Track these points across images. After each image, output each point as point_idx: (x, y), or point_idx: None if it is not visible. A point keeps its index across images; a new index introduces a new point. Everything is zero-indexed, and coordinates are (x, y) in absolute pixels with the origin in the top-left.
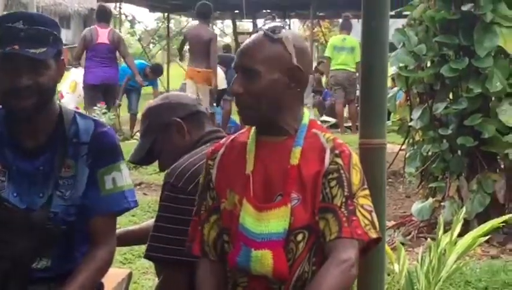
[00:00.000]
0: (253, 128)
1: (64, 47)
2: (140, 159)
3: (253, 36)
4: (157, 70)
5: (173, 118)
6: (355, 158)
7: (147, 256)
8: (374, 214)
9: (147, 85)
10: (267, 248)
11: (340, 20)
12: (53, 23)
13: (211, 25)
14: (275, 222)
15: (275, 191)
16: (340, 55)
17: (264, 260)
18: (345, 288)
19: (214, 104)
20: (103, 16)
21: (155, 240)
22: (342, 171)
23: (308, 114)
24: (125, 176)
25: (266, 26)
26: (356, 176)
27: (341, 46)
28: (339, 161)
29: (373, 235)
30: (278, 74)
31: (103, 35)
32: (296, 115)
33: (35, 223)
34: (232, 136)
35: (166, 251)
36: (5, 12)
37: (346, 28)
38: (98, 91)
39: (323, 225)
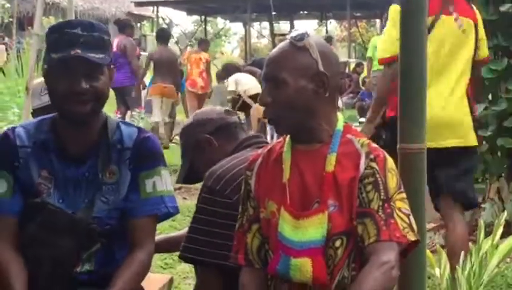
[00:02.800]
0: (288, 136)
1: None
2: (185, 178)
3: (280, 45)
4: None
5: (202, 135)
6: (391, 162)
7: (181, 256)
8: (411, 217)
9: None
10: (306, 256)
11: (378, 21)
12: (107, 32)
13: (247, 26)
14: (313, 229)
15: (311, 199)
16: None
17: (303, 268)
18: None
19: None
20: (118, 28)
21: (190, 241)
22: (377, 176)
23: (342, 119)
24: (165, 182)
25: (292, 34)
26: (392, 180)
27: None
28: (374, 165)
29: (411, 237)
30: (304, 81)
31: (115, 44)
32: (329, 121)
33: (78, 225)
34: (269, 146)
35: (200, 252)
36: (44, 18)
37: None
38: (116, 95)
39: (361, 229)
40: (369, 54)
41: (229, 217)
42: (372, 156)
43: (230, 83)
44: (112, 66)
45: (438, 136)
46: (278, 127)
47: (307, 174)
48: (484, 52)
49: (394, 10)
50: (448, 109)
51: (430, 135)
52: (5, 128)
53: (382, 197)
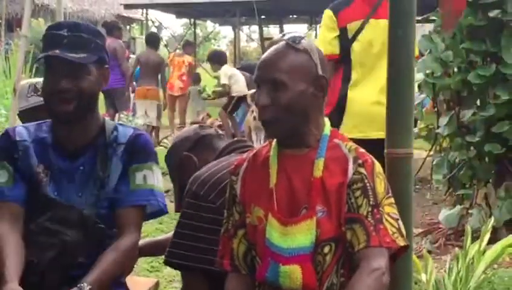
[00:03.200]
0: (274, 141)
1: None
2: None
3: (275, 47)
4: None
5: (182, 154)
6: (378, 166)
7: (166, 262)
8: (400, 222)
9: None
10: (296, 263)
11: None
12: (97, 33)
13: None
14: (301, 235)
15: (299, 204)
16: None
17: (293, 275)
18: None
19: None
20: (106, 30)
21: (175, 246)
22: (366, 181)
23: (328, 124)
24: (156, 178)
25: (287, 36)
26: (380, 185)
27: None
28: (363, 170)
29: (401, 243)
30: (305, 84)
31: None
32: (317, 125)
33: (86, 221)
34: (254, 150)
35: (185, 257)
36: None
37: None
38: (106, 97)
39: (351, 235)
40: None
41: (213, 222)
42: (360, 161)
43: (223, 74)
44: (106, 66)
45: (368, 129)
46: (273, 130)
47: (295, 180)
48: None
49: (327, 15)
50: (378, 104)
51: (361, 127)
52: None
53: (371, 202)
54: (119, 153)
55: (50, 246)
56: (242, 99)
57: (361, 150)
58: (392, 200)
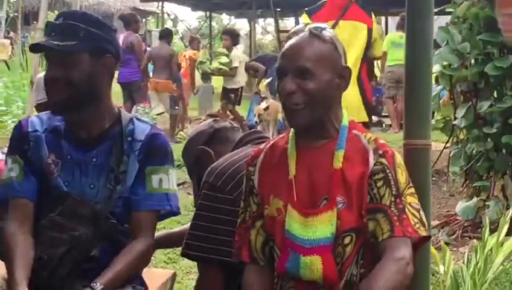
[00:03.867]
0: (292, 132)
1: None
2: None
3: (299, 36)
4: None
5: (197, 148)
6: (399, 157)
7: (183, 253)
8: (422, 212)
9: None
10: (316, 254)
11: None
12: (96, 22)
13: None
14: (322, 227)
15: (319, 196)
16: (397, 51)
17: (313, 266)
18: (402, 286)
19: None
20: (124, 23)
21: (192, 237)
22: (387, 171)
23: (346, 115)
24: (171, 181)
25: (311, 26)
26: (402, 175)
27: (399, 43)
28: (384, 161)
29: (423, 233)
30: (330, 74)
31: (121, 40)
32: (337, 116)
33: (98, 216)
34: (272, 141)
35: (202, 249)
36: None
37: (402, 27)
38: (123, 90)
39: (374, 225)
40: (384, 48)
41: (230, 213)
42: (380, 152)
43: (237, 57)
44: (108, 55)
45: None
46: (297, 118)
47: (314, 171)
48: (377, 52)
49: (303, 17)
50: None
51: None
52: (9, 121)
53: (394, 192)
54: (136, 152)
55: (61, 242)
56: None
57: (381, 140)
58: (413, 190)
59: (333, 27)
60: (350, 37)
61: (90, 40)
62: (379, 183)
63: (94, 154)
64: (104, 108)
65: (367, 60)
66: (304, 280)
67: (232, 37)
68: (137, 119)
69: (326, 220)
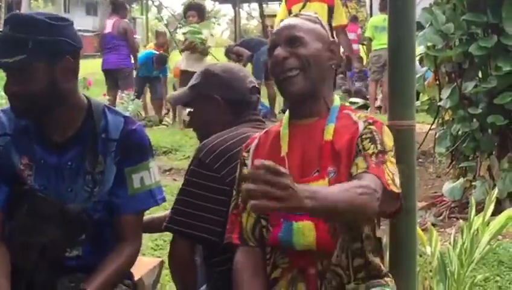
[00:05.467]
0: (286, 116)
1: (92, 34)
2: (177, 104)
3: (289, 18)
4: (160, 60)
5: (216, 96)
6: (387, 129)
7: (166, 227)
8: (397, 178)
9: (159, 74)
10: (308, 219)
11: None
12: (41, 25)
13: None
14: None
15: (311, 169)
16: (382, 34)
17: (306, 231)
18: (356, 207)
19: None
20: (113, 8)
21: (175, 212)
22: (374, 133)
23: (338, 99)
24: (153, 174)
25: (299, 14)
26: (389, 139)
27: (382, 26)
28: (372, 127)
29: (394, 189)
30: (321, 45)
31: (109, 25)
32: (329, 97)
33: (67, 214)
34: (266, 129)
35: (185, 224)
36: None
37: (385, 9)
38: (109, 77)
39: (353, 169)
40: (368, 34)
41: (216, 191)
42: (370, 121)
43: (207, 32)
44: (67, 56)
45: None
46: (294, 84)
47: (306, 147)
48: (338, 20)
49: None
50: None
51: None
52: None
53: (378, 147)
54: (112, 153)
55: (32, 247)
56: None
57: (372, 116)
58: (394, 159)
59: (303, 7)
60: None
61: (40, 49)
62: (365, 141)
63: (69, 157)
64: (72, 107)
65: (331, 28)
66: (297, 250)
67: (199, 12)
68: (108, 110)
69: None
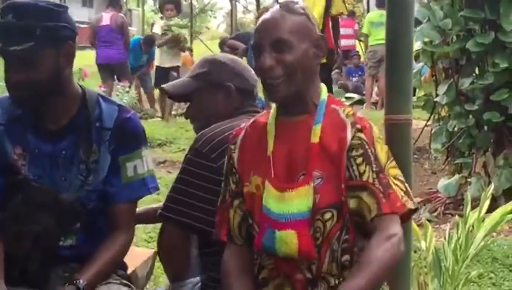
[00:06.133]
0: (273, 108)
1: (86, 26)
2: (176, 96)
3: (270, 11)
4: (148, 41)
5: (229, 83)
6: (377, 131)
7: (161, 215)
8: (407, 184)
9: (147, 58)
10: (291, 228)
11: None
12: (46, 11)
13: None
14: (297, 201)
15: (297, 171)
16: (378, 30)
17: (288, 240)
18: (394, 263)
19: None
20: (110, 1)
21: (171, 200)
22: (366, 147)
23: (325, 89)
24: (146, 163)
25: (281, 2)
26: (382, 150)
27: (379, 22)
28: (362, 136)
29: (410, 206)
30: (307, 43)
31: (107, 18)
32: (316, 90)
33: (61, 203)
34: (253, 119)
35: (180, 213)
36: None
37: (382, 5)
38: (105, 70)
39: (357, 203)
40: (364, 30)
41: (211, 181)
42: (358, 126)
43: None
44: (68, 43)
45: None
46: (278, 93)
47: (292, 147)
48: (336, 9)
49: None
50: None
51: None
52: None
53: (374, 169)
54: (107, 142)
55: (25, 236)
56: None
57: (359, 115)
58: (394, 163)
59: None
60: (314, 1)
61: (47, 35)
62: (358, 160)
63: (63, 146)
64: (69, 95)
65: (329, 16)
66: (281, 257)
67: (177, 5)
68: (102, 99)
69: (302, 194)
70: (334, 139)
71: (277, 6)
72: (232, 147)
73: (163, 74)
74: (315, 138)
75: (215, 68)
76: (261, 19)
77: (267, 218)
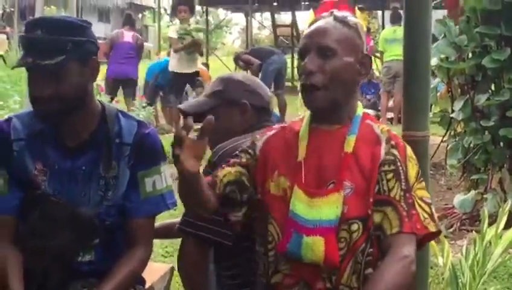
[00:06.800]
0: (307, 117)
1: (103, 41)
2: (194, 113)
3: (324, 20)
4: None
5: (245, 101)
6: (410, 150)
7: (179, 229)
8: (432, 207)
9: None
10: (319, 235)
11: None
12: (77, 28)
13: (249, 17)
14: (327, 208)
15: (327, 179)
16: (392, 46)
17: (315, 246)
18: (406, 284)
19: None
20: (126, 20)
21: (188, 215)
22: (398, 164)
23: (361, 106)
24: (165, 178)
25: (336, 12)
26: (413, 169)
27: (392, 38)
28: (395, 152)
29: (432, 228)
30: (353, 58)
31: (129, 36)
32: (353, 105)
33: (79, 218)
34: (286, 124)
35: (198, 227)
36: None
37: (396, 21)
38: (116, 85)
39: (381, 218)
40: (380, 47)
41: None
42: (393, 143)
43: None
44: (93, 58)
45: None
46: (315, 100)
47: (324, 155)
48: None
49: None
50: None
51: None
52: (6, 116)
53: (403, 186)
54: (126, 158)
55: (43, 251)
56: None
57: (394, 132)
58: (424, 184)
59: None
60: None
61: (77, 50)
62: (389, 176)
63: (82, 162)
64: (90, 110)
65: None
66: (304, 261)
67: (190, 7)
68: (122, 114)
69: (331, 202)
70: (368, 152)
71: (328, 17)
72: (258, 137)
73: (181, 79)
74: (348, 148)
75: (230, 86)
76: (313, 25)
77: (293, 223)
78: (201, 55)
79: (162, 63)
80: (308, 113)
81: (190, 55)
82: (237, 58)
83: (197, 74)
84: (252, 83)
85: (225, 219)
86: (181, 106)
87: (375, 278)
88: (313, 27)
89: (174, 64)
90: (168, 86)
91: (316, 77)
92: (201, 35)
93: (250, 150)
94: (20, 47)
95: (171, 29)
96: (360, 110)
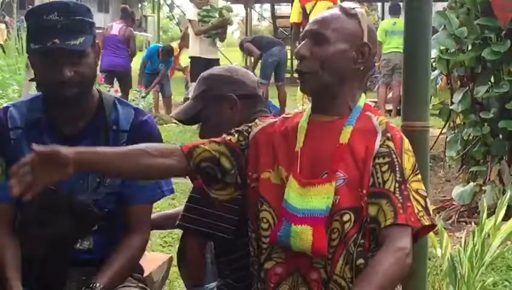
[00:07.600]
0: (309, 108)
1: (101, 31)
2: (186, 119)
3: (329, 10)
4: (168, 52)
5: (230, 94)
6: (407, 142)
7: (179, 225)
8: (428, 200)
9: (162, 66)
10: (308, 224)
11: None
12: (86, 9)
13: (248, 8)
14: (317, 198)
15: (322, 170)
16: (392, 39)
17: (303, 235)
18: (400, 276)
19: None
20: (123, 14)
21: (188, 210)
22: (394, 156)
23: (364, 98)
24: None
25: (343, 4)
26: (408, 161)
27: (392, 30)
28: (390, 144)
29: (426, 222)
30: (348, 46)
31: (116, 28)
32: (353, 96)
33: (77, 206)
34: (287, 115)
35: (197, 222)
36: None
37: (395, 12)
38: (109, 77)
39: (376, 210)
40: (379, 38)
41: None
42: (388, 135)
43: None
44: (97, 42)
45: None
46: (306, 84)
47: (321, 145)
48: None
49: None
50: None
51: None
52: (4, 104)
53: (398, 178)
54: (123, 144)
55: (41, 239)
56: None
57: (392, 124)
58: (420, 177)
59: (313, 6)
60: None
61: (91, 31)
62: (384, 168)
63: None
64: (91, 97)
65: None
66: (294, 250)
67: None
68: (119, 102)
69: (323, 192)
70: (363, 144)
71: (335, 8)
72: (257, 122)
73: (203, 65)
74: (344, 139)
75: (212, 83)
76: (317, 15)
77: (285, 211)
78: (223, 40)
79: (151, 49)
80: (309, 106)
81: (209, 40)
82: (241, 45)
83: (217, 61)
84: (234, 74)
85: (205, 192)
86: (173, 115)
87: (370, 271)
88: (318, 15)
89: (196, 49)
90: (155, 73)
91: (306, 62)
92: (231, 15)
93: (245, 133)
94: (35, 32)
95: (190, 12)
96: (362, 102)
